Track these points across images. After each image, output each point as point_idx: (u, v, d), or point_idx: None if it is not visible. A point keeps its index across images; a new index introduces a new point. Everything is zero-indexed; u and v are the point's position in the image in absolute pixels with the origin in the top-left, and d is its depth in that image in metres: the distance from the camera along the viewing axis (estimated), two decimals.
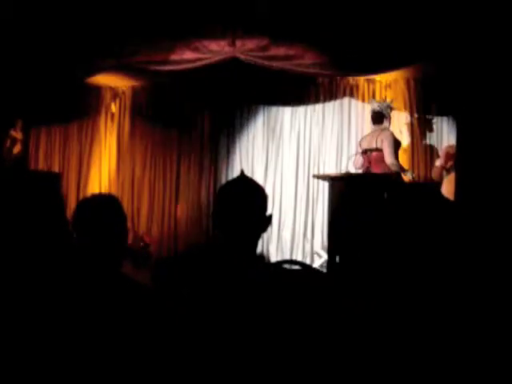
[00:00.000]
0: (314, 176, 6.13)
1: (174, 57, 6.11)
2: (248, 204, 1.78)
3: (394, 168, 5.48)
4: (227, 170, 7.35)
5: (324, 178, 5.65)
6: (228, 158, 7.40)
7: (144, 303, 1.80)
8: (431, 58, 5.23)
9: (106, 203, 1.97)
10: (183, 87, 7.13)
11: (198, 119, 7.46)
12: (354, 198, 4.79)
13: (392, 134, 5.77)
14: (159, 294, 1.77)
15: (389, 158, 5.54)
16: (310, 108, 7.10)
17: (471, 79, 4.25)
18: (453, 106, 5.62)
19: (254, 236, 1.80)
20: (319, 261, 6.68)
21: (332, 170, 6.70)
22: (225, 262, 1.76)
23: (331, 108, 7.02)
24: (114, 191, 7.23)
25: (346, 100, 6.93)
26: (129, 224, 7.38)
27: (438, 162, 5.50)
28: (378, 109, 5.92)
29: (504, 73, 3.98)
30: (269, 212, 1.83)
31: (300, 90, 7.01)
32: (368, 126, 6.40)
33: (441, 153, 5.50)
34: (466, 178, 4.67)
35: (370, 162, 5.76)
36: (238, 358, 1.56)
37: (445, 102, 6.13)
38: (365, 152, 5.89)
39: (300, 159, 7.09)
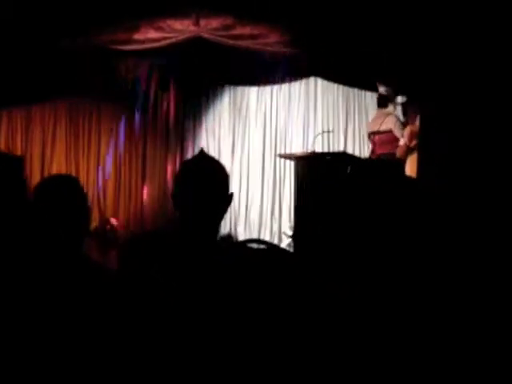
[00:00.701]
0: (280, 155, 6.14)
1: (138, 36, 6.02)
2: (208, 182, 1.74)
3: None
4: (194, 151, 7.30)
5: (289, 157, 5.66)
6: (194, 138, 7.37)
7: (106, 286, 1.76)
8: (390, 44, 5.24)
9: (63, 183, 1.95)
10: (147, 69, 7.04)
11: (163, 100, 7.38)
12: (317, 177, 4.82)
13: (397, 118, 5.79)
14: (125, 277, 1.73)
15: (402, 142, 5.57)
16: (276, 88, 7.09)
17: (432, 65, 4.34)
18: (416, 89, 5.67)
19: (215, 215, 1.76)
20: (287, 240, 6.72)
21: (299, 149, 6.72)
22: (188, 244, 1.72)
23: (297, 88, 7.02)
24: (79, 175, 7.12)
25: (311, 80, 6.93)
26: (95, 208, 7.34)
27: (402, 141, 5.56)
28: (385, 93, 5.92)
29: (462, 61, 4.07)
30: (230, 191, 1.80)
31: (266, 70, 6.98)
32: (332, 104, 6.43)
33: (405, 132, 5.57)
34: (428, 157, 4.77)
35: (374, 144, 5.80)
36: (206, 343, 1.54)
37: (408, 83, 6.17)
38: (369, 135, 5.94)
39: (267, 139, 7.10)
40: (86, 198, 1.99)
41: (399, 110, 5.93)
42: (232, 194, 1.80)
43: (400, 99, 5.95)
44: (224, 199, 1.77)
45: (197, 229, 1.72)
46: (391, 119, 5.67)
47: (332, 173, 4.80)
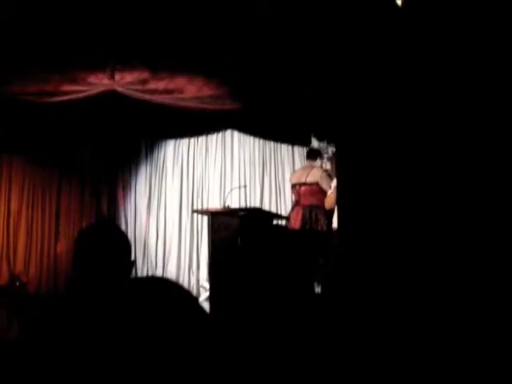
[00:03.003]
0: (194, 211, 6.12)
1: (50, 88, 5.89)
2: (105, 251, 1.75)
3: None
4: (109, 205, 7.16)
5: (203, 213, 5.64)
6: (109, 192, 7.22)
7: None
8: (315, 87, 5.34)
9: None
10: (62, 121, 6.87)
11: (78, 154, 7.23)
12: (231, 233, 4.82)
13: (323, 170, 5.88)
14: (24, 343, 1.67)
15: (330, 192, 5.62)
16: (193, 140, 7.11)
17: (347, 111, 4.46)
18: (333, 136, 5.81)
19: (115, 282, 1.76)
20: (205, 294, 6.63)
21: (216, 202, 6.72)
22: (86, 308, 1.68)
23: (214, 140, 7.06)
24: None
25: (228, 132, 7.00)
26: (4, 263, 7.01)
27: (330, 192, 5.66)
28: (317, 147, 6.03)
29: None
30: (133, 257, 1.83)
31: (183, 122, 6.98)
32: (248, 157, 6.49)
33: (333, 183, 5.67)
34: (345, 204, 4.86)
35: (299, 196, 5.84)
36: None
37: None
38: (293, 186, 5.97)
39: (183, 191, 7.06)
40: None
41: (328, 163, 6.07)
42: (133, 263, 1.81)
43: (330, 152, 6.10)
44: (124, 267, 1.77)
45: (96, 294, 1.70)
46: (317, 172, 5.80)
47: (245, 228, 4.82)
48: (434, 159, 3.65)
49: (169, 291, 1.68)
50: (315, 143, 6.20)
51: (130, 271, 1.83)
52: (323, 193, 5.73)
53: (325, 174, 5.81)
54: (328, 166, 6.08)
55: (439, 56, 3.61)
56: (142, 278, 1.78)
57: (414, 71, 3.78)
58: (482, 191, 3.34)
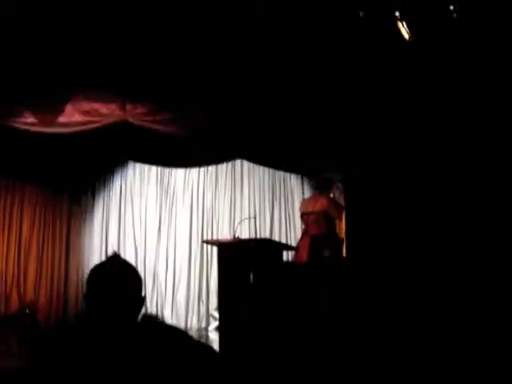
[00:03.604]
0: (204, 241, 6.13)
1: (63, 119, 5.96)
2: (117, 287, 1.77)
3: None
4: (119, 232, 7.18)
5: (213, 243, 5.65)
6: (120, 219, 7.25)
7: None
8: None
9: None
10: (72, 149, 6.93)
11: (89, 181, 7.29)
12: (240, 264, 4.82)
13: (331, 198, 5.88)
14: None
15: (339, 219, 5.62)
16: (203, 169, 7.14)
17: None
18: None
19: (127, 319, 1.77)
20: (215, 323, 6.61)
21: (226, 231, 6.73)
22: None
23: (224, 168, 7.10)
24: None
25: (238, 162, 7.03)
26: (14, 291, 7.02)
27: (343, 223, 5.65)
28: (326, 178, 6.03)
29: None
30: (143, 293, 1.82)
31: (193, 151, 7.02)
32: (258, 187, 6.50)
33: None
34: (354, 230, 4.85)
35: (307, 225, 5.84)
36: None
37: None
38: (302, 215, 5.98)
39: (193, 219, 7.08)
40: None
41: (337, 192, 6.05)
42: (144, 298, 1.82)
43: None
44: (135, 303, 1.78)
45: (109, 332, 1.73)
46: (325, 200, 5.79)
47: (255, 260, 4.82)
48: (436, 169, 3.67)
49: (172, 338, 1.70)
50: (324, 174, 6.17)
51: (141, 307, 1.85)
52: (331, 221, 5.72)
53: (333, 202, 5.80)
54: (337, 194, 6.07)
55: (439, 59, 3.64)
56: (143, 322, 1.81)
57: (415, 76, 3.81)
58: (482, 198, 3.36)
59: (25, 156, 6.64)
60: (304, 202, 6.16)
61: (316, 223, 5.75)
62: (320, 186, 6.02)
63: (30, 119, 5.94)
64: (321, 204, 5.77)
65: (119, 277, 1.80)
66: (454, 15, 3.55)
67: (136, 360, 1.70)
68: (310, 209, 5.83)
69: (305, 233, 5.92)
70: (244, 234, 6.23)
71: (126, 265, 1.86)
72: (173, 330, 1.86)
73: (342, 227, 5.64)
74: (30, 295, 7.11)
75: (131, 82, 5.79)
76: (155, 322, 1.87)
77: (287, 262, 5.45)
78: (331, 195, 6.05)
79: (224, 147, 6.45)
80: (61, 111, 5.94)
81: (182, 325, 6.59)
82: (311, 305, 1.75)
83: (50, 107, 5.93)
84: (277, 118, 5.54)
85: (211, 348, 1.94)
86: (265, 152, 6.42)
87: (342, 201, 5.54)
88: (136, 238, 7.16)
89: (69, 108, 5.95)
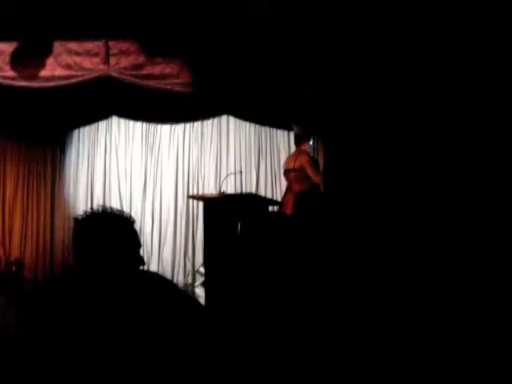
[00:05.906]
0: (190, 197, 6.11)
1: (44, 73, 5.84)
2: (108, 243, 1.70)
3: None
4: (104, 189, 7.15)
5: (199, 198, 5.64)
6: (105, 175, 7.20)
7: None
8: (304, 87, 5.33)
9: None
10: (55, 103, 6.80)
11: (74, 135, 7.20)
12: (226, 219, 4.83)
13: (308, 155, 5.84)
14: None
15: (316, 178, 5.59)
16: (188, 126, 7.07)
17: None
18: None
19: (123, 273, 1.70)
20: (201, 279, 6.66)
21: (211, 188, 6.72)
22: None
23: (209, 126, 7.03)
24: None
25: (224, 118, 6.97)
26: (0, 249, 7.00)
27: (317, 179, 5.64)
28: (297, 132, 5.96)
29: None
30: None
31: (179, 106, 6.92)
32: (244, 143, 6.46)
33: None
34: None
35: (290, 182, 5.83)
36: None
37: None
38: (284, 172, 5.95)
39: (179, 177, 7.04)
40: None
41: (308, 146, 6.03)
42: (142, 259, 1.75)
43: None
44: (132, 257, 1.72)
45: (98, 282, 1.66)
46: (303, 157, 5.76)
47: (243, 216, 4.82)
48: (430, 160, 3.68)
49: (164, 290, 1.66)
50: (295, 128, 6.10)
51: (141, 264, 1.79)
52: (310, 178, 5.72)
53: (310, 159, 5.76)
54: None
55: (436, 57, 3.62)
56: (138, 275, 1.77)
57: (412, 72, 3.80)
58: (479, 191, 3.37)
59: (5, 111, 6.52)
60: (286, 159, 6.14)
61: (297, 180, 5.73)
62: (296, 140, 5.96)
63: (10, 73, 5.82)
64: (299, 161, 5.74)
65: (109, 231, 1.74)
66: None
67: (125, 312, 1.65)
68: (291, 166, 5.82)
69: (288, 189, 5.93)
70: (230, 189, 6.22)
71: (116, 218, 1.79)
72: (163, 281, 1.81)
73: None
74: (15, 253, 7.10)
75: (115, 32, 5.67)
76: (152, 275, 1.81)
77: (275, 212, 5.46)
78: (309, 152, 6.00)
79: (210, 102, 6.39)
80: (42, 65, 5.82)
81: None
82: (299, 254, 1.74)
83: (31, 61, 5.80)
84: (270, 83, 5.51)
85: (197, 301, 1.93)
86: (252, 108, 6.37)
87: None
88: (121, 195, 7.12)
89: (50, 61, 5.82)
